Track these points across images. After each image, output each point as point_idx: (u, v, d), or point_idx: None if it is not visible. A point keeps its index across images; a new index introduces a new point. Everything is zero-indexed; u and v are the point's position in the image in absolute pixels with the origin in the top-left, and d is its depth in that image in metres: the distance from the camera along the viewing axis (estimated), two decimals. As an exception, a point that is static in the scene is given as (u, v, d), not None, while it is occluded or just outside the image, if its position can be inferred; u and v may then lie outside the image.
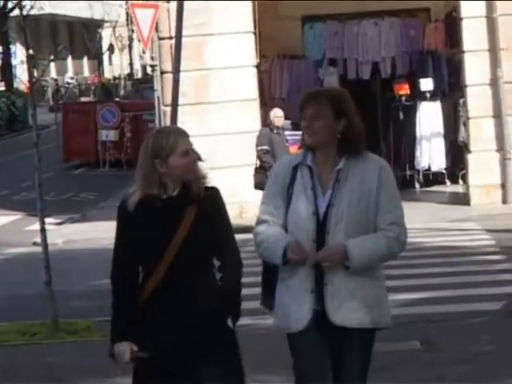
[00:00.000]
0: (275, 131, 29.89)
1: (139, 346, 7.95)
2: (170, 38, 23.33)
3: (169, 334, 7.92)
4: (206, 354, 7.93)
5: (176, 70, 18.73)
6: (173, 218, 7.94)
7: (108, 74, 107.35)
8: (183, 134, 8.18)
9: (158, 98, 33.79)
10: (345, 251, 7.76)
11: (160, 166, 7.88)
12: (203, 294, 7.95)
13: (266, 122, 33.93)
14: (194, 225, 7.92)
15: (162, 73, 32.10)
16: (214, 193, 8.24)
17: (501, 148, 33.90)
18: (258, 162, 30.84)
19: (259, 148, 31.11)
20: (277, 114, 31.47)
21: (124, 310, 8.09)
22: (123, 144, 48.10)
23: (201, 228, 7.94)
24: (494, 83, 33.94)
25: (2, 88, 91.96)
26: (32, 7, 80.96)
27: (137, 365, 8.11)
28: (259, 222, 8.22)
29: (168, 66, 26.25)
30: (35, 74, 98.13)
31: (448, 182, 36.30)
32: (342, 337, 7.96)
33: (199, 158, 8.46)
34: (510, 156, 33.69)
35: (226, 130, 31.73)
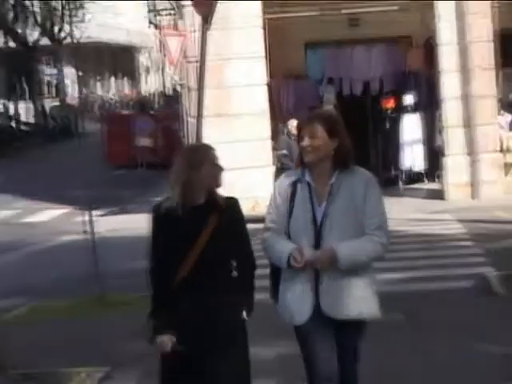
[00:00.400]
0: (293, 138, 28.88)
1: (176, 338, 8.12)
2: (196, 61, 23.19)
3: (193, 320, 8.13)
4: (223, 338, 8.14)
5: (200, 88, 18.70)
6: (198, 223, 8.11)
7: (144, 90, 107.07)
8: (212, 149, 8.43)
9: (186, 110, 33.81)
10: (335, 255, 7.98)
11: (194, 175, 8.06)
12: (222, 288, 8.20)
13: (275, 131, 34.12)
14: (215, 231, 8.10)
15: (189, 90, 32.15)
16: (233, 203, 8.44)
17: (471, 152, 33.90)
18: (279, 164, 30.90)
19: (279, 152, 31.46)
20: (293, 124, 30.47)
21: (164, 303, 8.24)
22: (156, 149, 48.22)
23: (221, 234, 8.11)
24: (465, 98, 33.93)
25: (57, 103, 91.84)
26: (81, 36, 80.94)
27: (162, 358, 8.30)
28: (266, 228, 8.47)
29: (193, 84, 26.17)
30: (84, 91, 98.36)
31: (426, 181, 36.41)
32: (338, 326, 8.30)
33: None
34: (478, 159, 33.71)
35: (242, 138, 31.68)
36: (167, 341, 8.07)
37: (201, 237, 8.11)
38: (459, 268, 20.97)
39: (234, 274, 8.36)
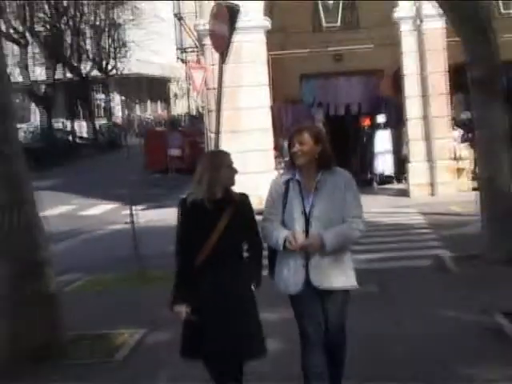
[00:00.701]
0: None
1: (191, 308, 8.43)
2: (214, 88, 23.20)
3: (213, 291, 8.39)
4: (238, 303, 8.43)
5: (218, 110, 18.64)
6: (217, 214, 8.40)
7: (174, 112, 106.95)
8: (228, 155, 8.76)
9: (207, 127, 33.97)
10: (322, 239, 8.36)
11: (215, 175, 8.37)
12: (235, 265, 8.54)
13: (277, 143, 34.13)
14: (230, 220, 8.39)
15: (209, 111, 32.25)
16: (245, 198, 8.70)
17: (429, 160, 33.89)
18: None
19: (286, 159, 30.56)
20: None
21: (185, 279, 8.54)
22: (184, 158, 48.27)
23: (235, 222, 8.42)
24: (425, 118, 33.91)
25: (105, 121, 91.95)
26: (124, 69, 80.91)
27: (184, 328, 8.62)
28: (264, 219, 8.80)
29: (213, 106, 26.19)
30: (126, 112, 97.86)
31: (395, 182, 36.41)
32: (326, 296, 8.65)
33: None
34: (435, 165, 33.70)
35: (250, 149, 31.66)
36: (182, 310, 8.41)
37: (219, 224, 8.36)
38: (420, 250, 21.19)
39: (246, 254, 8.65)
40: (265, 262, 8.89)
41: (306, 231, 8.52)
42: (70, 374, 12.34)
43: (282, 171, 9.96)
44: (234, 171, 8.64)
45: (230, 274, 8.47)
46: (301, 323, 8.70)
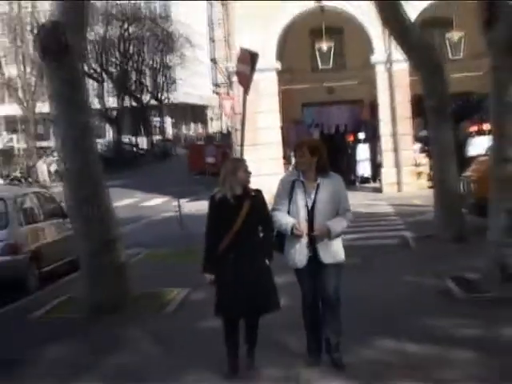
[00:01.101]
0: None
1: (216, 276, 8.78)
2: (239, 113, 23.12)
3: (238, 267, 8.60)
4: (256, 272, 8.67)
5: (242, 129, 18.58)
6: (237, 206, 8.64)
7: (210, 130, 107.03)
8: (244, 161, 9.10)
9: (234, 141, 33.97)
10: (328, 229, 8.52)
11: (234, 176, 8.67)
12: (254, 245, 8.75)
13: (285, 154, 34.08)
14: (249, 210, 8.63)
15: (236, 130, 32.24)
16: (259, 193, 8.91)
17: (397, 166, 33.83)
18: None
19: (292, 165, 30.84)
20: None
21: (211, 255, 8.81)
22: (217, 164, 48.15)
23: (252, 211, 8.66)
24: (394, 135, 33.82)
25: (159, 137, 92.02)
26: (173, 98, 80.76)
27: (217, 292, 8.83)
28: (274, 209, 8.80)
29: (238, 126, 26.14)
30: (175, 130, 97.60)
31: (372, 182, 36.28)
32: (324, 269, 8.71)
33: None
34: (401, 170, 33.66)
35: (265, 157, 31.64)
36: (209, 277, 8.82)
37: (240, 214, 8.59)
38: (390, 232, 21.17)
39: (261, 235, 8.87)
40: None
41: (308, 220, 8.60)
42: (134, 322, 12.37)
43: (289, 172, 10.18)
44: (249, 173, 8.85)
45: (250, 250, 8.68)
46: (303, 288, 8.86)
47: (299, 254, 8.64)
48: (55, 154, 47.65)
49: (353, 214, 9.04)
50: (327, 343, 8.87)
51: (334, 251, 8.74)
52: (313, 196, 8.66)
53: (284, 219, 8.62)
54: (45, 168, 50.92)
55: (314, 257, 8.66)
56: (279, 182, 9.10)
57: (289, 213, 8.69)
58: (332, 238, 8.64)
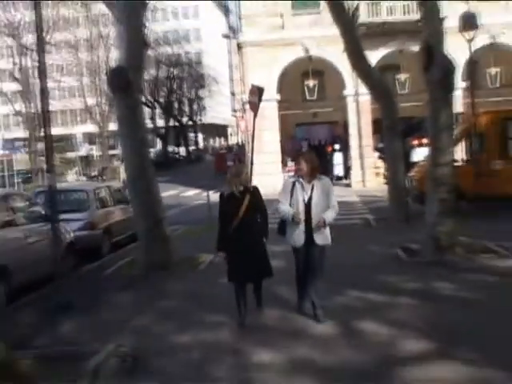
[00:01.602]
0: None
1: (227, 252, 8.82)
2: (250, 131, 23.21)
3: (243, 245, 8.65)
4: (256, 248, 8.73)
5: (252, 142, 18.57)
6: (241, 199, 8.67)
7: (230, 142, 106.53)
8: (245, 167, 9.58)
9: (246, 150, 33.81)
10: (324, 220, 8.48)
11: (238, 178, 8.79)
12: (254, 228, 8.75)
13: (283, 159, 34.05)
14: (249, 202, 8.66)
15: (248, 142, 32.08)
16: (257, 189, 9.01)
17: (362, 168, 33.74)
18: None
19: (288, 168, 30.62)
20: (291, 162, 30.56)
21: (223, 236, 8.79)
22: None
23: (252, 204, 8.69)
24: (359, 147, 33.74)
25: (194, 147, 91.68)
26: (203, 120, 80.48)
27: (228, 264, 8.84)
28: (279, 202, 8.68)
29: (249, 140, 26.09)
30: (206, 143, 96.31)
31: (344, 180, 35.98)
32: (315, 248, 8.59)
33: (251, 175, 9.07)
34: (365, 171, 33.52)
35: (269, 161, 31.59)
36: (222, 254, 8.88)
37: (243, 205, 8.61)
38: (357, 215, 20.92)
39: (259, 221, 8.82)
40: (276, 226, 8.91)
41: (305, 211, 8.49)
42: (175, 277, 12.42)
43: (290, 175, 10.55)
44: (248, 176, 9.27)
45: (251, 231, 8.66)
46: (297, 261, 8.78)
47: (298, 236, 8.51)
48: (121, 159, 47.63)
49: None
50: (312, 304, 8.77)
51: (325, 236, 8.60)
52: (309, 193, 8.53)
53: (287, 210, 8.51)
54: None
55: (308, 239, 8.51)
56: (283, 183, 9.06)
57: (290, 205, 8.55)
58: (326, 226, 8.55)
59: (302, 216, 8.47)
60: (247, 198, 8.67)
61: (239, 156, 49.99)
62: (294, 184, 8.62)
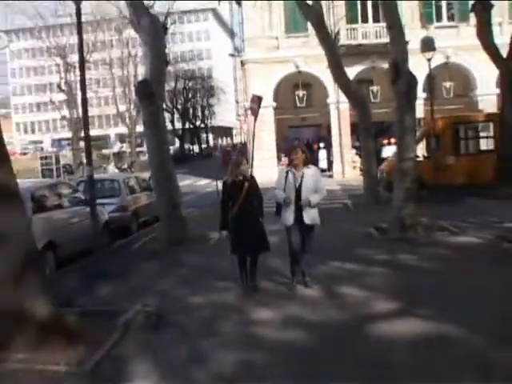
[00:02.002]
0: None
1: (229, 231, 8.52)
2: (252, 132, 23.22)
3: (243, 224, 8.35)
4: (254, 226, 8.39)
5: (253, 141, 18.53)
6: (240, 186, 8.40)
7: (234, 141, 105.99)
8: (244, 159, 8.87)
9: (248, 148, 33.55)
10: (309, 200, 8.19)
11: (238, 169, 8.51)
12: (253, 211, 8.41)
13: (278, 155, 33.92)
14: (247, 189, 8.39)
15: (249, 141, 32.00)
16: (253, 178, 8.72)
17: (342, 162, 33.63)
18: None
19: (283, 162, 30.34)
20: (285, 158, 30.35)
21: (224, 218, 8.54)
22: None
23: (250, 190, 8.41)
24: (340, 145, 33.62)
25: (205, 145, 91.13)
26: (213, 123, 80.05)
27: (231, 240, 8.53)
28: (276, 189, 8.42)
29: (250, 139, 26.02)
30: (215, 142, 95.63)
31: (327, 172, 35.75)
32: (306, 228, 8.35)
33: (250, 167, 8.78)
34: (344, 164, 33.39)
35: (266, 157, 31.47)
36: (224, 233, 8.59)
37: (243, 191, 8.36)
38: (337, 200, 20.68)
39: (256, 204, 8.49)
40: (272, 209, 8.66)
41: (295, 195, 8.22)
42: (190, 251, 12.41)
43: (283, 166, 9.70)
44: (247, 166, 8.76)
45: (249, 213, 8.38)
46: (289, 238, 8.43)
47: (289, 216, 8.23)
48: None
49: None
50: (302, 273, 8.64)
51: (313, 217, 8.30)
52: (299, 180, 8.24)
53: (281, 194, 8.26)
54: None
55: (299, 219, 8.23)
56: (279, 173, 8.69)
57: (284, 190, 8.25)
58: (312, 206, 8.25)
59: (293, 198, 8.19)
60: (246, 185, 8.40)
61: (242, 152, 49.73)
62: (287, 173, 8.34)
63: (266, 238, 8.56)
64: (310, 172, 8.37)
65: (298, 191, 8.26)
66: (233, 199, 8.45)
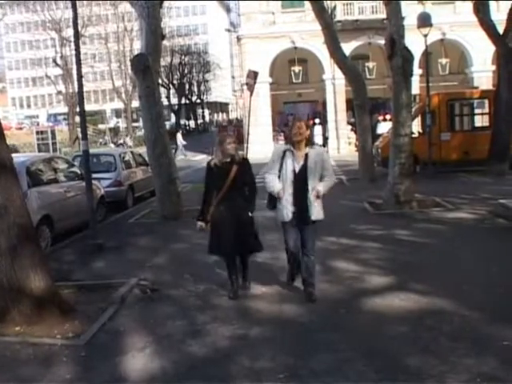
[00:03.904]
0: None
1: (210, 224, 7.03)
2: (247, 107, 23.07)
3: (225, 217, 6.84)
4: (240, 221, 6.85)
5: (249, 116, 18.45)
6: (227, 170, 6.80)
7: (230, 117, 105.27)
8: (229, 136, 7.19)
9: (244, 123, 33.61)
10: (319, 191, 6.56)
11: (221, 148, 6.87)
12: (240, 200, 6.86)
13: (274, 130, 33.77)
14: (236, 173, 6.79)
15: (245, 117, 31.90)
16: (245, 160, 7.03)
17: (337, 138, 33.61)
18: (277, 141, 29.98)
19: (279, 137, 30.32)
20: (280, 134, 30.25)
21: (205, 205, 7.01)
22: (234, 136, 47.70)
23: (239, 174, 6.81)
24: (335, 121, 33.56)
25: (201, 121, 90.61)
26: (209, 98, 79.43)
27: (211, 234, 7.07)
28: (266, 171, 6.78)
29: (246, 114, 25.88)
30: (210, 117, 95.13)
31: (323, 148, 35.74)
32: (306, 225, 6.71)
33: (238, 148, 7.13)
34: (339, 140, 33.34)
35: (262, 131, 31.42)
36: (200, 224, 7.05)
37: (229, 177, 6.79)
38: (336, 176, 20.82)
39: (247, 193, 6.95)
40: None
41: (295, 182, 6.59)
42: (184, 224, 12.37)
43: (281, 143, 7.64)
44: (232, 145, 6.87)
45: (236, 205, 6.84)
46: (286, 237, 6.84)
47: (286, 210, 6.61)
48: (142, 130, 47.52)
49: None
50: (303, 280, 6.99)
51: (317, 211, 6.67)
52: (301, 163, 6.58)
53: (272, 184, 6.67)
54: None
55: (298, 213, 6.65)
56: (273, 151, 7.08)
57: (279, 176, 6.65)
58: (320, 196, 6.69)
59: (291, 188, 6.63)
60: (234, 169, 6.85)
61: (238, 128, 49.71)
62: (284, 153, 6.70)
63: (255, 235, 7.18)
64: (315, 153, 6.72)
65: (300, 178, 6.66)
66: (217, 186, 6.97)
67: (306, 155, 6.63)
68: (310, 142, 6.76)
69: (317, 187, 6.60)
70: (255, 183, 7.05)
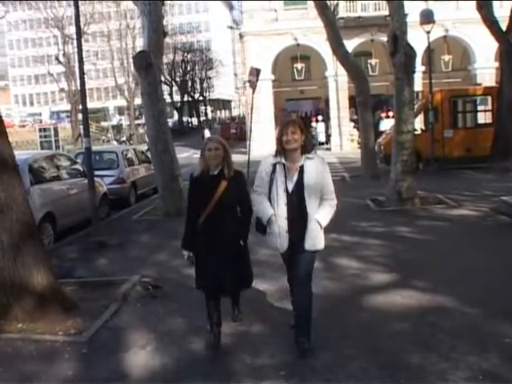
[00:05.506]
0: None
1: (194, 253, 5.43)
2: (250, 104, 22.96)
3: (210, 243, 5.29)
4: (230, 251, 5.34)
5: (251, 113, 18.43)
6: (213, 186, 5.21)
7: (233, 114, 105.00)
8: (214, 140, 5.42)
9: (246, 120, 33.44)
10: (319, 223, 5.13)
11: (202, 157, 5.31)
12: (231, 225, 5.28)
13: (276, 127, 33.74)
14: (224, 191, 5.19)
15: (248, 114, 31.71)
16: (239, 174, 5.41)
17: (340, 135, 33.49)
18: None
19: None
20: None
21: (189, 231, 5.42)
22: (237, 133, 47.42)
23: (229, 193, 5.19)
24: (338, 117, 33.45)
25: (204, 118, 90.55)
26: (211, 95, 79.22)
27: (196, 265, 5.51)
28: (253, 190, 5.24)
29: (249, 111, 25.81)
30: (213, 114, 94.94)
31: (325, 144, 35.74)
32: (302, 255, 5.11)
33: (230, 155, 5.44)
34: (342, 137, 33.27)
35: (264, 128, 31.30)
36: (186, 253, 5.40)
37: (216, 194, 5.19)
38: (336, 173, 20.37)
39: (240, 215, 5.38)
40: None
41: (289, 205, 5.07)
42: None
43: (270, 154, 5.57)
44: (213, 153, 5.24)
45: (225, 230, 5.27)
46: (286, 267, 5.43)
47: (280, 238, 5.13)
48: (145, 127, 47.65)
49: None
50: (294, 325, 5.44)
51: (318, 240, 5.21)
52: (295, 179, 5.08)
53: (261, 207, 5.20)
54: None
55: (293, 242, 5.17)
56: (261, 163, 5.31)
57: (270, 197, 5.16)
58: (322, 227, 5.20)
59: (285, 213, 5.09)
60: (223, 185, 5.27)
61: (240, 125, 49.72)
62: (274, 167, 5.17)
63: (247, 268, 5.65)
64: (313, 165, 5.18)
65: (296, 200, 5.15)
66: (201, 205, 5.38)
67: (302, 168, 5.15)
68: (306, 149, 5.20)
69: (316, 218, 5.16)
70: (251, 205, 5.39)
